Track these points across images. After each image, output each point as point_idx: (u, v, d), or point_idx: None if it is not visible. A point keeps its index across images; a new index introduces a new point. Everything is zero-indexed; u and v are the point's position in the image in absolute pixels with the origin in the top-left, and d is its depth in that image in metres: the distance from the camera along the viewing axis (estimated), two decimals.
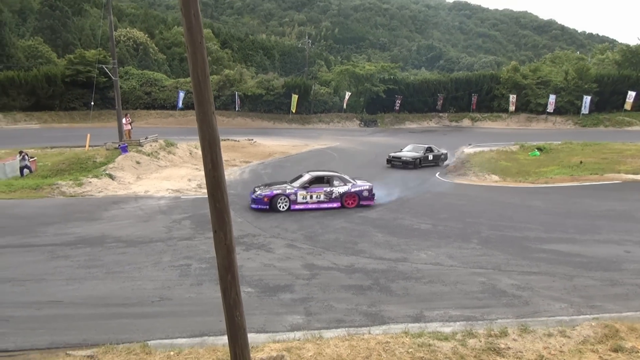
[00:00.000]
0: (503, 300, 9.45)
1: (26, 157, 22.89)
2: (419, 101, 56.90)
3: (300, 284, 10.39)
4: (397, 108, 55.82)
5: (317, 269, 11.35)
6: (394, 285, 10.27)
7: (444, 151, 29.53)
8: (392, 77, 57.03)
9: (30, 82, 47.46)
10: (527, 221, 15.88)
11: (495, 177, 24.00)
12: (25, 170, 22.60)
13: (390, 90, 54.98)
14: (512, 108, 54.37)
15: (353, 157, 30.82)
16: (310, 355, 6.73)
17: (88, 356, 6.65)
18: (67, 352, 7.07)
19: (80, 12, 68.86)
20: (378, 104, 55.37)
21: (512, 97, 54.11)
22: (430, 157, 28.01)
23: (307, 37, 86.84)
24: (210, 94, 4.33)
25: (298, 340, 7.45)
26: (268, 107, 53.54)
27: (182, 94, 50.29)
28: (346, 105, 54.22)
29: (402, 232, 14.55)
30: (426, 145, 28.74)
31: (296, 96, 52.07)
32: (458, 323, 8.33)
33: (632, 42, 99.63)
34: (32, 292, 10.07)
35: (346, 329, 8.03)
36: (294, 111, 52.51)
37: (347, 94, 53.89)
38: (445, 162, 28.77)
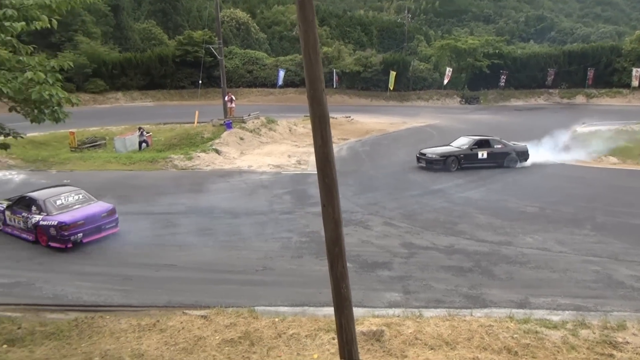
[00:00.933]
0: (620, 291, 8.75)
1: (144, 132, 24.88)
2: (526, 77, 53.17)
3: (398, 262, 10.38)
4: (501, 84, 52.71)
5: (416, 248, 11.25)
6: (497, 269, 9.91)
7: (520, 145, 20.92)
8: (497, 51, 53.77)
9: (145, 63, 51.20)
10: None
11: (613, 159, 21.98)
12: (143, 145, 24.59)
13: (494, 65, 51.95)
14: (635, 83, 49.05)
15: (452, 136, 29.75)
16: (410, 332, 6.74)
17: (202, 316, 7.22)
18: (184, 312, 7.72)
19: None
20: (481, 80, 52.63)
21: (636, 71, 48.77)
22: (483, 154, 19.83)
23: (406, 11, 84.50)
24: (321, 71, 4.39)
25: (397, 316, 7.49)
26: (366, 84, 53.15)
27: (282, 73, 51.43)
28: (447, 81, 52.28)
29: (507, 214, 13.91)
30: (478, 137, 20.71)
31: (394, 73, 51.09)
32: (567, 312, 7.88)
33: None
34: (151, 255, 11.06)
35: (446, 309, 7.92)
36: (391, 88, 51.64)
37: (449, 70, 51.84)
38: (522, 164, 20.35)
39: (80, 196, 12.49)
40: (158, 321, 7.32)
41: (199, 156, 21.72)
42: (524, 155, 20.52)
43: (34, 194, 12.54)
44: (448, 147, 20.51)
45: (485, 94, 52.59)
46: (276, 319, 7.46)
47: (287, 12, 79.45)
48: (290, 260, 10.61)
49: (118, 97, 49.74)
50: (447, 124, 34.65)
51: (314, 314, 7.91)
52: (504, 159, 20.12)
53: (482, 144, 20.20)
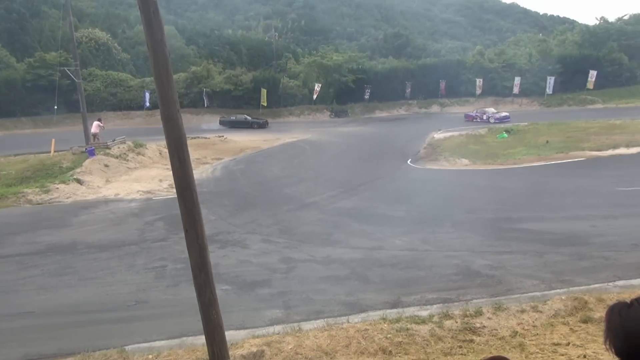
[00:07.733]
0: (477, 280, 9.64)
1: None
2: (388, 90, 57.09)
3: (277, 278, 10.40)
4: (366, 97, 55.98)
5: (294, 262, 11.38)
6: (371, 273, 10.38)
7: None
8: (360, 66, 57.17)
9: None
10: (498, 202, 16.20)
11: (465, 161, 24.38)
12: None
13: (359, 80, 55.12)
14: (479, 92, 55.22)
15: (324, 148, 30.86)
16: (290, 348, 6.76)
17: None
18: None
19: (38, 14, 66.69)
20: (348, 95, 55.44)
21: (479, 81, 54.92)
22: None
23: (273, 30, 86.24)
24: (174, 92, 4.27)
25: (277, 334, 7.46)
26: (237, 102, 53.11)
27: (148, 94, 49.42)
28: (316, 97, 54.12)
29: (377, 220, 14.68)
30: None
31: (265, 90, 51.76)
32: (435, 306, 8.47)
33: (591, 22, 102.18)
34: (2, 304, 9.82)
35: (325, 319, 8.08)
36: (264, 105, 52.20)
37: (317, 86, 53.75)
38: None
39: None
40: None
41: (57, 188, 19.89)
42: None
43: None
44: None
45: (353, 107, 55.41)
46: (150, 356, 7.01)
47: None
48: (166, 290, 10.11)
49: None
50: (319, 137, 35.83)
51: (193, 343, 7.58)
52: None
53: None
